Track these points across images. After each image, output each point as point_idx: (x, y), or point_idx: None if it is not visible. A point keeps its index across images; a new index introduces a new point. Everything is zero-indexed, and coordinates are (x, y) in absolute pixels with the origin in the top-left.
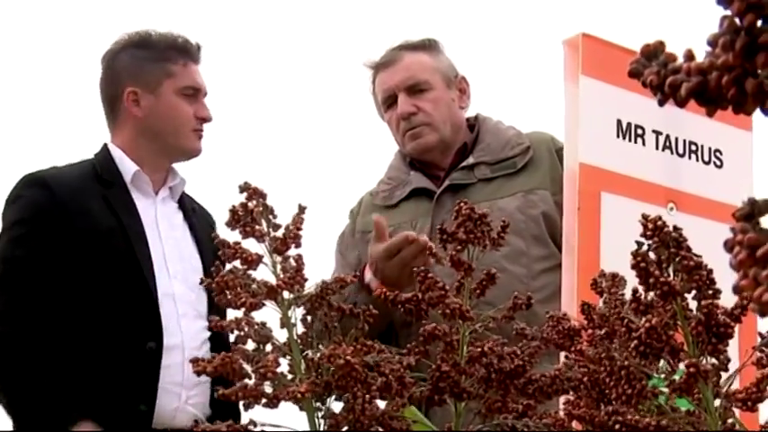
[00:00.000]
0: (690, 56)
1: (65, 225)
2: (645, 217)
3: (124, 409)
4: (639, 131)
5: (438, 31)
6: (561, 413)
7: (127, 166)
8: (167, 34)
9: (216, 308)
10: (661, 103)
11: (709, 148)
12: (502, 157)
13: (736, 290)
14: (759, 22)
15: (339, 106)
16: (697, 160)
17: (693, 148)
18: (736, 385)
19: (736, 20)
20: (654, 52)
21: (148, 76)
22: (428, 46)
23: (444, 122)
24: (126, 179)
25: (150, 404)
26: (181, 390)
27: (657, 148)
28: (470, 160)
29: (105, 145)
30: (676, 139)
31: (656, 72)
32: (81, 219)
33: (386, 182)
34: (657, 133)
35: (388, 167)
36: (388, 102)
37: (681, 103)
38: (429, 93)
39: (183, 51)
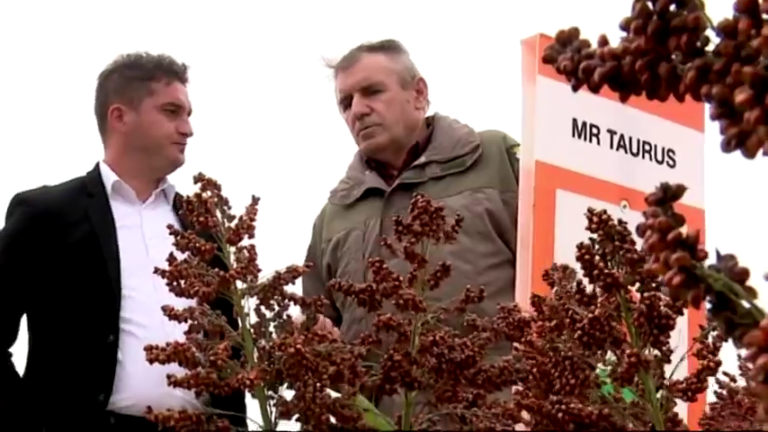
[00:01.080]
0: (603, 41)
1: (43, 236)
2: (590, 211)
3: (88, 399)
4: (594, 131)
5: (399, 31)
6: (510, 403)
7: (109, 178)
8: (156, 55)
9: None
10: (575, 89)
11: (663, 148)
12: (452, 156)
13: (648, 273)
14: (672, 6)
15: (297, 102)
16: (650, 159)
17: (647, 147)
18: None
19: (649, 4)
20: (568, 38)
21: (132, 94)
22: (387, 47)
23: (397, 123)
24: (107, 189)
25: (107, 393)
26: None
27: (612, 147)
28: (422, 159)
29: (97, 163)
30: (630, 138)
31: (569, 57)
32: (59, 230)
33: (344, 181)
34: (612, 133)
35: (348, 167)
36: (345, 102)
37: (594, 89)
38: (383, 94)
39: (168, 71)
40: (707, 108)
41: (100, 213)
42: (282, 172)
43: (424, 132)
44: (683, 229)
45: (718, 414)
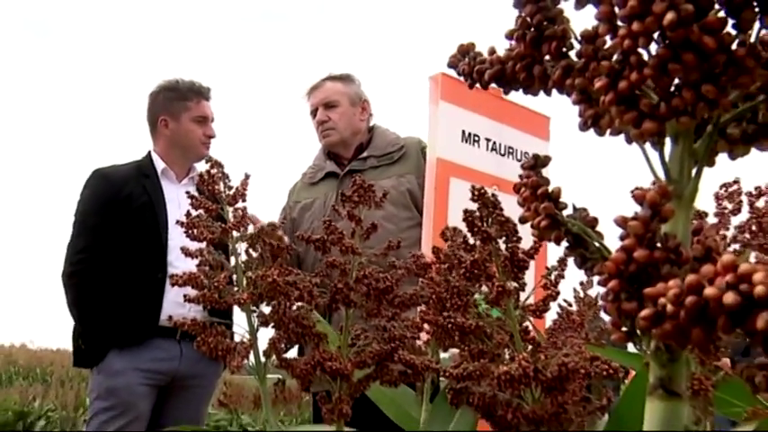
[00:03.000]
0: (492, 51)
1: (116, 201)
2: (473, 188)
3: (143, 315)
4: (476, 138)
5: (353, 66)
6: (417, 318)
7: (159, 164)
8: (189, 81)
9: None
10: (471, 86)
11: (521, 151)
12: (385, 153)
13: (522, 220)
14: (545, 22)
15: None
16: (512, 159)
17: (511, 150)
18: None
19: (528, 18)
20: (466, 50)
21: (174, 109)
22: (343, 78)
23: (345, 129)
24: (158, 173)
25: (157, 311)
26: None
27: (488, 149)
28: (365, 154)
29: (149, 152)
30: (500, 144)
31: (467, 64)
32: (125, 197)
33: (312, 167)
34: (488, 140)
35: (315, 157)
36: (313, 113)
37: (484, 86)
38: (337, 108)
39: (197, 92)
40: (551, 123)
41: (154, 189)
42: (267, 157)
43: (366, 136)
44: (549, 187)
45: (557, 327)
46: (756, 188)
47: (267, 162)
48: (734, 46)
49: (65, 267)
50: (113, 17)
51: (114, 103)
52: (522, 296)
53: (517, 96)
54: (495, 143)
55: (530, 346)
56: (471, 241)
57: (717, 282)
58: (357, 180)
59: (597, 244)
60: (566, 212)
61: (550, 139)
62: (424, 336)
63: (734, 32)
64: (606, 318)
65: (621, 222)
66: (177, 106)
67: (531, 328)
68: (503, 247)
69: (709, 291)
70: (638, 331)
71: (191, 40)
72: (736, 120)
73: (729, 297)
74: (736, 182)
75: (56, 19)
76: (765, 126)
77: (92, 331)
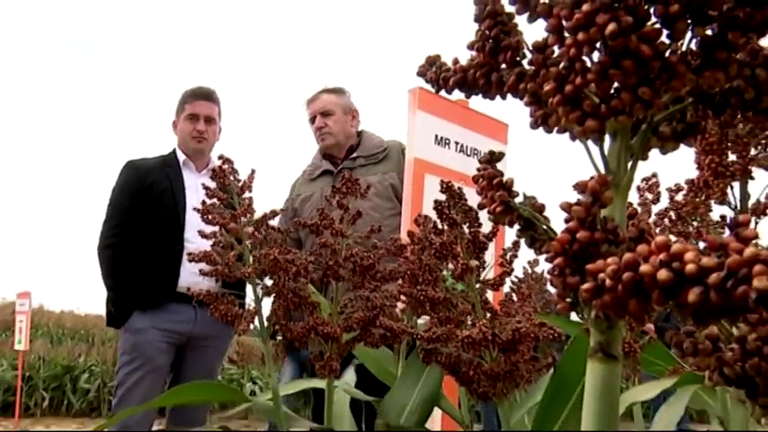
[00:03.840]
0: (456, 61)
1: (141, 187)
2: (443, 182)
3: (162, 283)
4: (447, 141)
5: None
6: (395, 290)
7: (180, 158)
8: (192, 88)
9: None
10: (437, 92)
11: (484, 152)
12: (371, 154)
13: (480, 206)
14: (502, 35)
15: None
16: (477, 159)
17: (475, 151)
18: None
19: (486, 32)
20: (433, 60)
21: (178, 112)
22: (336, 90)
23: (339, 133)
24: (180, 164)
25: (175, 279)
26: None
27: (457, 151)
28: (355, 155)
29: (174, 148)
30: (466, 146)
31: (434, 72)
32: (150, 184)
33: (310, 165)
34: (457, 143)
35: (313, 157)
36: (312, 120)
37: (449, 91)
38: (332, 116)
39: (192, 95)
40: (509, 129)
41: (175, 178)
42: (270, 158)
43: (356, 140)
44: (503, 178)
45: (511, 299)
46: (676, 184)
47: (270, 162)
48: (667, 53)
49: (100, 242)
50: (142, 39)
51: (143, 109)
52: (483, 273)
53: (481, 106)
54: (462, 146)
55: (488, 315)
56: (440, 226)
57: (651, 260)
58: (345, 175)
59: (545, 227)
60: (518, 200)
61: (509, 142)
62: (400, 305)
63: (668, 41)
64: (552, 290)
65: (566, 207)
66: (179, 109)
67: (489, 299)
68: (466, 231)
69: (644, 268)
70: (580, 302)
71: (205, 59)
72: (668, 119)
73: (663, 273)
74: (654, 176)
75: (98, 39)
76: (693, 125)
77: (119, 296)
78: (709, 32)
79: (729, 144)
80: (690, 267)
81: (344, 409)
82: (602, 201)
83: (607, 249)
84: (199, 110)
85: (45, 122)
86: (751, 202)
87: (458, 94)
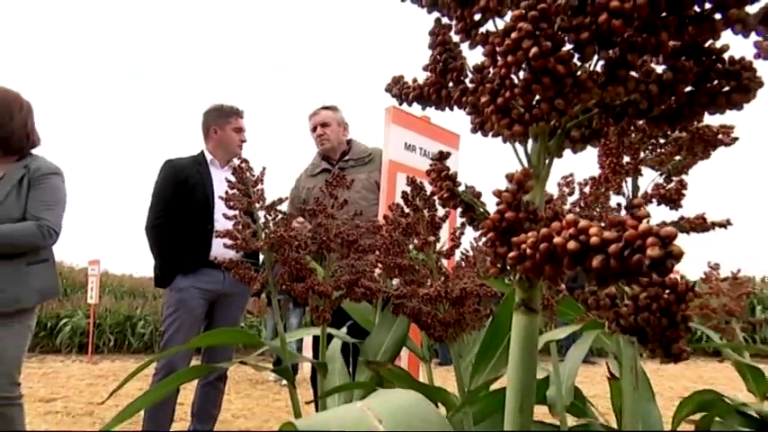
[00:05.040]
0: (415, 80)
1: (178, 181)
2: (408, 178)
3: (198, 253)
4: (413, 147)
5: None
6: (373, 259)
7: (208, 157)
8: (229, 105)
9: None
10: (400, 103)
11: None
12: (360, 157)
13: (432, 194)
14: (449, 59)
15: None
16: None
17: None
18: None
19: (437, 56)
20: (398, 80)
21: (220, 122)
22: (332, 108)
23: (334, 140)
24: (208, 162)
25: (207, 251)
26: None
27: (421, 155)
28: (346, 158)
29: (202, 150)
30: (428, 151)
31: (398, 89)
32: (185, 178)
33: (312, 164)
34: (421, 149)
35: (313, 158)
36: (313, 129)
37: (409, 104)
38: (329, 127)
39: (236, 113)
40: (461, 138)
41: (205, 173)
42: (280, 157)
43: (347, 146)
44: (449, 172)
45: (459, 265)
46: (585, 179)
47: (278, 161)
48: (579, 72)
49: (147, 223)
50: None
51: (181, 121)
52: (438, 246)
53: (440, 121)
54: (425, 151)
55: (442, 278)
56: (407, 211)
57: (563, 234)
58: (335, 173)
59: (482, 209)
60: (461, 189)
61: (460, 148)
62: (378, 271)
63: (579, 63)
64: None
65: (497, 194)
66: (223, 122)
67: (444, 265)
68: (426, 214)
69: (557, 240)
70: (508, 268)
71: (232, 83)
72: (578, 126)
73: (572, 244)
74: (571, 175)
75: (149, 65)
76: (597, 131)
77: (165, 263)
78: (612, 54)
79: (624, 149)
80: (594, 239)
81: (336, 350)
82: (526, 188)
83: (529, 226)
84: (242, 125)
85: (108, 133)
86: (640, 194)
87: (421, 111)
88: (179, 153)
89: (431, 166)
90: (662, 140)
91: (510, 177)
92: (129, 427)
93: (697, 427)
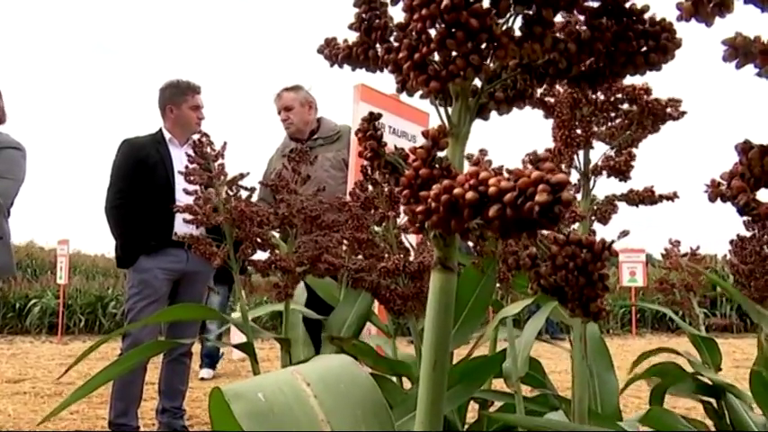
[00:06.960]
0: (345, 41)
1: (137, 160)
2: None
3: (161, 233)
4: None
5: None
6: (338, 235)
7: (167, 136)
8: (185, 81)
9: None
10: (330, 65)
11: (412, 135)
12: (328, 135)
13: (359, 154)
14: (374, 17)
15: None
16: (405, 139)
17: (404, 133)
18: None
19: (362, 15)
20: (329, 42)
21: (176, 100)
22: (294, 88)
23: (299, 122)
24: (167, 141)
25: (170, 231)
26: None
27: (389, 133)
28: (315, 137)
29: (160, 128)
30: (397, 129)
31: (329, 50)
32: (145, 157)
33: (282, 144)
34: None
35: (284, 138)
36: (279, 112)
37: (340, 65)
38: (292, 110)
39: (192, 89)
40: (430, 117)
41: (164, 152)
42: (246, 132)
43: (315, 125)
44: (375, 132)
45: (422, 241)
46: (534, 151)
47: (251, 141)
48: (494, 28)
49: (107, 204)
50: (151, 42)
51: (147, 98)
52: (398, 221)
53: (409, 100)
54: (394, 129)
55: (402, 252)
56: (367, 187)
57: (465, 185)
58: (296, 149)
59: (407, 170)
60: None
61: (429, 126)
62: (343, 247)
63: (496, 18)
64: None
65: (412, 150)
66: (180, 100)
67: (408, 241)
68: (386, 188)
69: (456, 190)
70: (426, 226)
71: (198, 58)
72: (503, 87)
73: (470, 194)
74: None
75: (119, 41)
76: (521, 92)
77: (126, 244)
78: (528, 11)
79: (576, 122)
80: (491, 189)
81: (298, 323)
82: (441, 145)
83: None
84: (200, 102)
85: (73, 111)
86: (591, 165)
87: (392, 89)
88: (150, 130)
89: (359, 127)
90: (612, 114)
91: (425, 134)
92: (99, 408)
93: (652, 391)
